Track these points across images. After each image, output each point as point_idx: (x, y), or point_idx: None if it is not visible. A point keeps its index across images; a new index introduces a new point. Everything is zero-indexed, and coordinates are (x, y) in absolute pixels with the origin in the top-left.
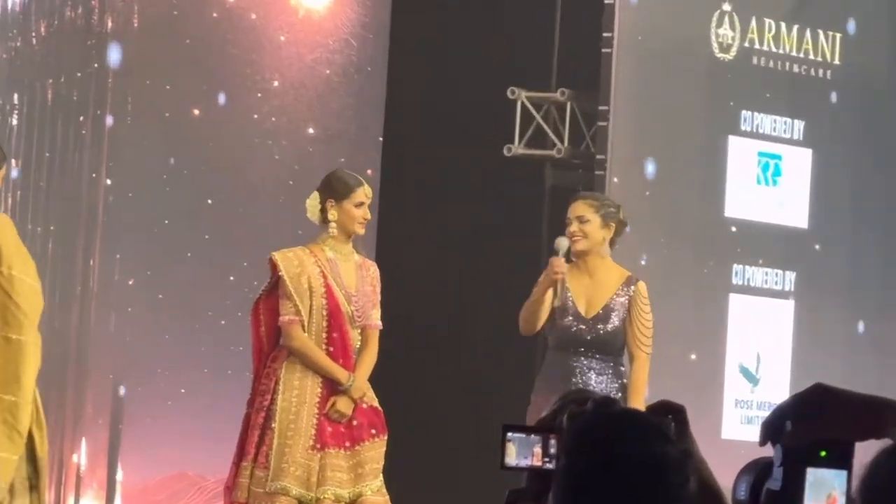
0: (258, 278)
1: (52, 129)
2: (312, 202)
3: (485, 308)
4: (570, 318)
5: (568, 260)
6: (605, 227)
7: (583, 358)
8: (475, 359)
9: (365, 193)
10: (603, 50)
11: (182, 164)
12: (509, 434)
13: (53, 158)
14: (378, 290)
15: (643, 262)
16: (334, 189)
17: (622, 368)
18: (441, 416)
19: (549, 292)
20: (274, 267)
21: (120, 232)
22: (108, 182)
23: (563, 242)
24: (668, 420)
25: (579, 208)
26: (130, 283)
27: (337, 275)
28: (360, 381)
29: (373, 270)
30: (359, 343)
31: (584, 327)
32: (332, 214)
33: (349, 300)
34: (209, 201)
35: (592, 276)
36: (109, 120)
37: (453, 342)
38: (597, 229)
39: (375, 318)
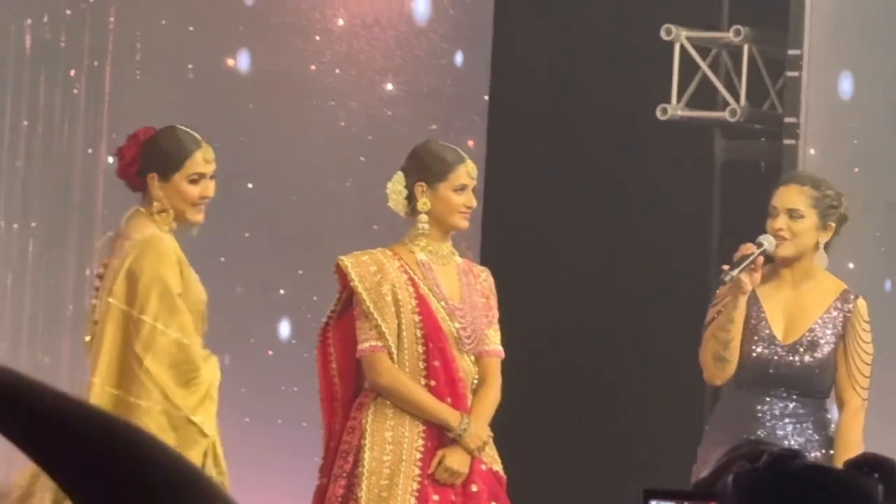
0: (319, 292)
1: (31, 89)
2: (396, 186)
3: (632, 331)
4: (762, 344)
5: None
6: (824, 228)
7: (775, 399)
8: (621, 399)
9: (468, 173)
10: None
11: (211, 135)
12: (652, 502)
13: (34, 129)
14: (494, 303)
15: (851, 267)
16: (426, 168)
17: (829, 416)
18: (577, 482)
19: (742, 308)
20: (343, 276)
21: None
22: (110, 161)
23: (770, 240)
24: (873, 480)
25: (791, 196)
26: None
27: (433, 283)
28: (477, 425)
29: (484, 277)
30: (475, 377)
31: (780, 357)
32: (424, 203)
33: (452, 316)
34: (249, 185)
35: (796, 288)
36: (110, 75)
37: (590, 376)
38: (811, 230)
39: (494, 342)
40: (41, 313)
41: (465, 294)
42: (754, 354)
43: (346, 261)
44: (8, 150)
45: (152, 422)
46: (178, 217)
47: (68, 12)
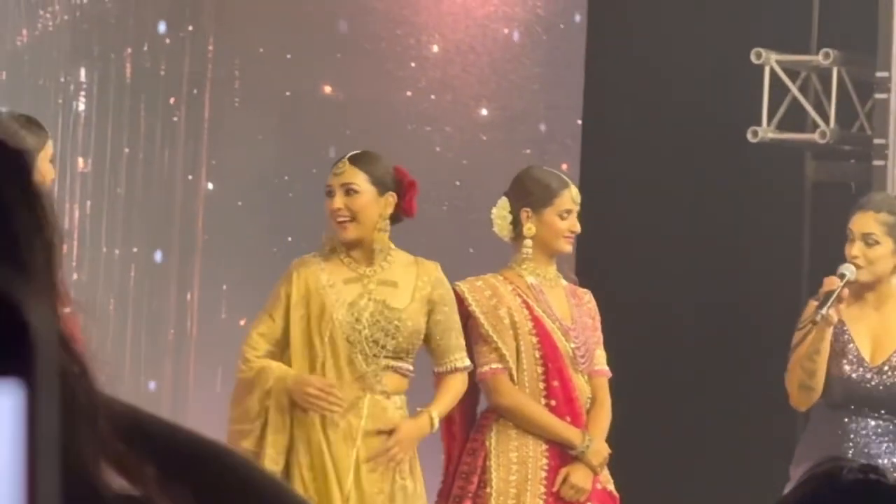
0: None
1: (132, 116)
2: (501, 211)
3: (726, 351)
4: (850, 365)
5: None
6: None
7: (866, 419)
8: (716, 420)
9: (572, 198)
10: None
11: (307, 161)
12: None
13: (135, 155)
14: (599, 325)
15: None
16: (531, 193)
17: None
18: (677, 500)
19: (827, 340)
20: (461, 302)
21: (227, 254)
22: (210, 187)
23: (851, 269)
24: None
25: (866, 222)
26: (242, 323)
27: (546, 305)
28: (598, 442)
29: (588, 299)
30: (588, 396)
31: (869, 377)
32: (529, 228)
33: (567, 336)
34: None
35: (880, 311)
36: (210, 102)
37: (685, 398)
38: (886, 256)
39: (602, 362)
40: (143, 338)
41: (576, 315)
42: (844, 376)
43: (463, 286)
44: (109, 177)
45: None
46: None
47: (168, 41)
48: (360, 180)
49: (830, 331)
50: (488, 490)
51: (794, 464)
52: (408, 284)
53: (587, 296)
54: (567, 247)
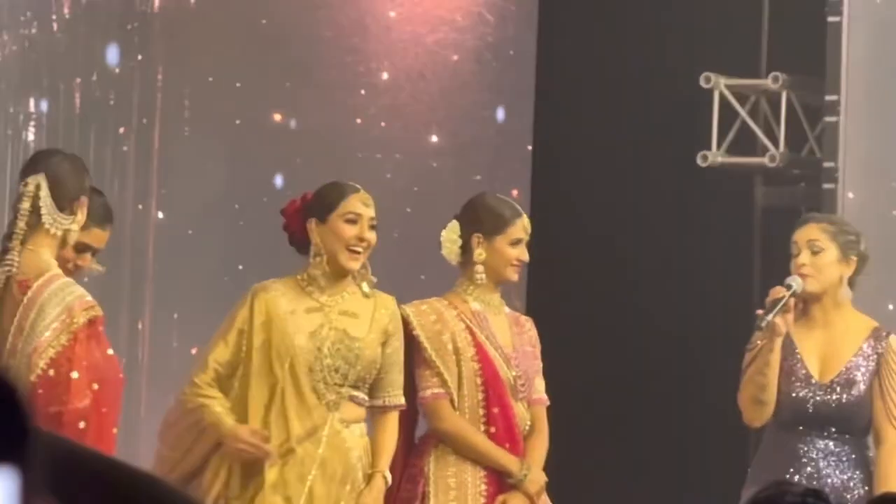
0: None
1: (82, 146)
2: (450, 235)
3: (676, 375)
4: (799, 384)
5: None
6: (844, 261)
7: (816, 439)
8: (665, 444)
9: (524, 228)
10: (829, 18)
11: (258, 190)
12: None
13: None
14: (539, 353)
15: (891, 308)
16: (484, 220)
17: (869, 454)
18: None
19: (777, 351)
20: (405, 325)
21: (178, 283)
22: (160, 216)
23: (798, 281)
24: None
25: (810, 231)
26: (193, 351)
27: (489, 332)
28: (536, 470)
29: (529, 327)
30: (527, 424)
31: (817, 396)
32: (479, 254)
33: (508, 363)
34: None
35: (827, 327)
36: (159, 132)
37: (634, 423)
38: (833, 263)
39: (542, 391)
40: None
41: (517, 343)
42: (792, 395)
43: (408, 309)
44: None
45: None
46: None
47: (117, 71)
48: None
49: (780, 343)
50: None
51: (745, 486)
52: (366, 315)
53: (528, 323)
54: (514, 275)
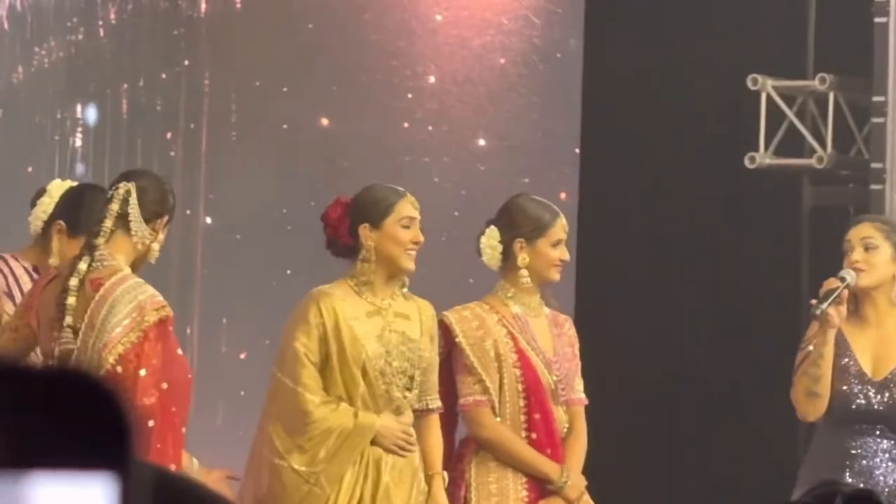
0: None
1: (129, 152)
2: (490, 241)
3: (724, 376)
4: (852, 381)
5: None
6: None
7: (868, 438)
8: (715, 443)
9: (563, 228)
10: (876, 19)
11: (305, 194)
12: None
13: None
14: (577, 352)
15: None
16: (522, 224)
17: None
18: None
19: (831, 343)
20: (447, 332)
21: (226, 288)
22: (209, 221)
23: (851, 274)
24: None
25: (864, 229)
26: (242, 356)
27: (530, 336)
28: (575, 476)
29: (568, 327)
30: (565, 426)
31: (871, 394)
32: (524, 259)
33: (550, 369)
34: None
35: (880, 326)
36: (207, 136)
37: (684, 421)
38: (886, 262)
39: (580, 390)
40: None
41: (557, 346)
42: (845, 390)
43: (451, 316)
44: None
45: (268, 473)
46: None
47: (164, 76)
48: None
49: (833, 334)
50: None
51: (797, 486)
52: (415, 317)
53: (567, 323)
54: (557, 276)
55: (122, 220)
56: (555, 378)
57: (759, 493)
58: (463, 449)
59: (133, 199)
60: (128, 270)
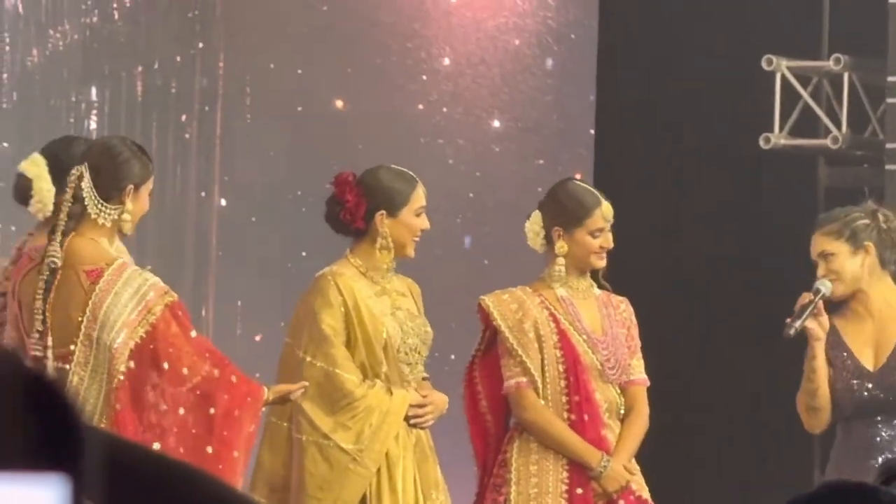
0: (446, 333)
1: (143, 134)
2: (534, 226)
3: (743, 364)
4: (849, 375)
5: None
6: (859, 251)
7: (884, 427)
8: (735, 436)
9: (603, 216)
10: (890, 0)
11: (320, 176)
12: None
13: None
14: (635, 333)
15: None
16: (561, 213)
17: None
18: None
19: (820, 355)
20: (486, 316)
21: (241, 270)
22: (223, 203)
23: (826, 284)
24: None
25: (817, 243)
26: (257, 339)
27: (574, 317)
28: (618, 465)
29: (623, 307)
30: (621, 407)
31: (871, 385)
32: (561, 247)
33: (595, 348)
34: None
35: (873, 316)
36: (221, 119)
37: (703, 410)
38: (847, 261)
39: (638, 371)
40: None
41: (607, 326)
42: (846, 390)
43: (488, 300)
44: None
45: (306, 455)
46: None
47: (178, 58)
48: None
49: (821, 346)
50: (508, 503)
51: (825, 479)
52: (409, 295)
53: (623, 304)
54: (599, 263)
55: (82, 205)
56: (601, 358)
57: (793, 473)
58: (511, 431)
59: (86, 183)
60: (122, 259)
